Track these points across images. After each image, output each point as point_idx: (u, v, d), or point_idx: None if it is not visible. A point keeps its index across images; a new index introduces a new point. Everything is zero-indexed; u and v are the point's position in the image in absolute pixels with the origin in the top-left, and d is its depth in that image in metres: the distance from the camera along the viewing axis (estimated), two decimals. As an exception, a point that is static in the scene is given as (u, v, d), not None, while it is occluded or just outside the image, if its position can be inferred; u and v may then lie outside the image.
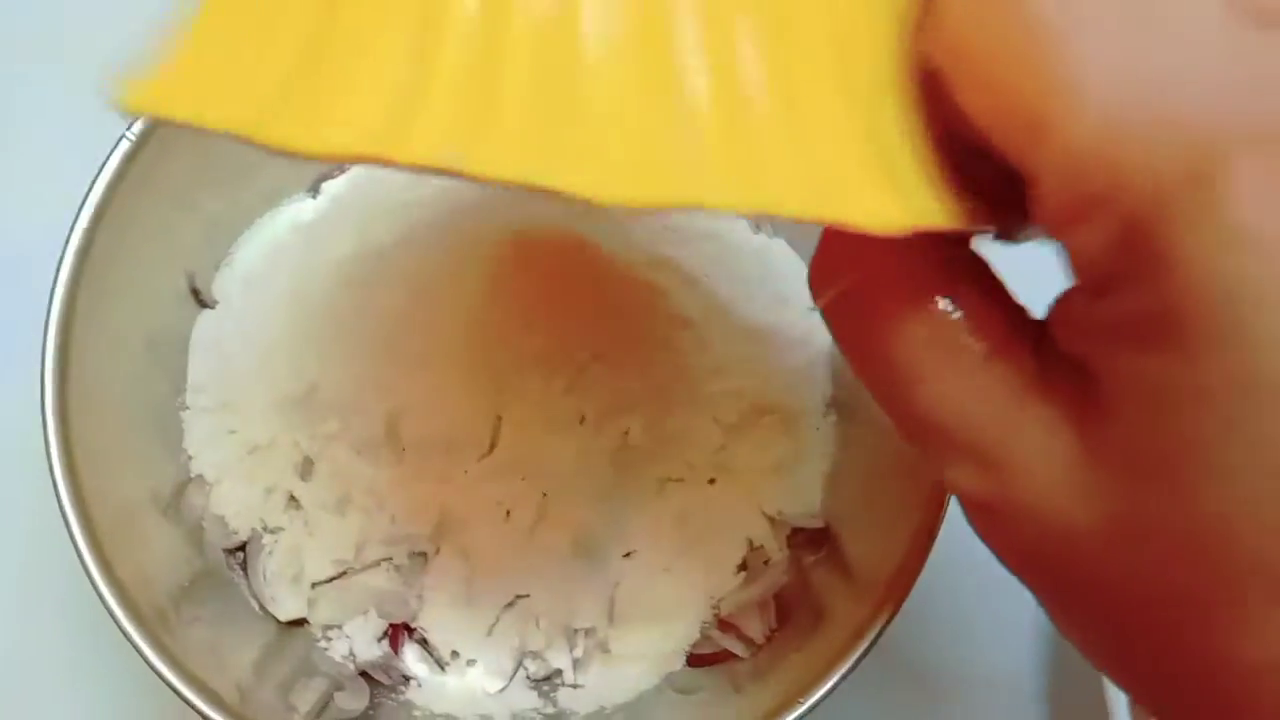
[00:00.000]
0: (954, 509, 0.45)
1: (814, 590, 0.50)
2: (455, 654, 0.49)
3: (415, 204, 0.52)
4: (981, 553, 0.53)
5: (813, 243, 0.50)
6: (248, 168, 0.52)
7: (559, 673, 0.50)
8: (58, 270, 0.44)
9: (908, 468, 0.49)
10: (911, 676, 0.55)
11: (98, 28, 0.62)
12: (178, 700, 0.42)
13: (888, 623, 0.43)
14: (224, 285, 0.52)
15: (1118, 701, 0.52)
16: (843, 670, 0.42)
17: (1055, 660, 0.57)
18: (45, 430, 0.43)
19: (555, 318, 0.46)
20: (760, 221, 0.57)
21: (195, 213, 0.51)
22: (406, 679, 0.50)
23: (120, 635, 0.42)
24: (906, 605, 0.43)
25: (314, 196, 0.55)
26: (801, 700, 0.42)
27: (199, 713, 0.42)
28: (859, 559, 0.49)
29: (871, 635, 0.42)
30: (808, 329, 0.54)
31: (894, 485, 0.49)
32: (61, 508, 0.43)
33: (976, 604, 0.56)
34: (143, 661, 0.42)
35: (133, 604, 0.42)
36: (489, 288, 0.47)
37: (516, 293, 0.46)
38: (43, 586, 0.54)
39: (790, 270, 0.55)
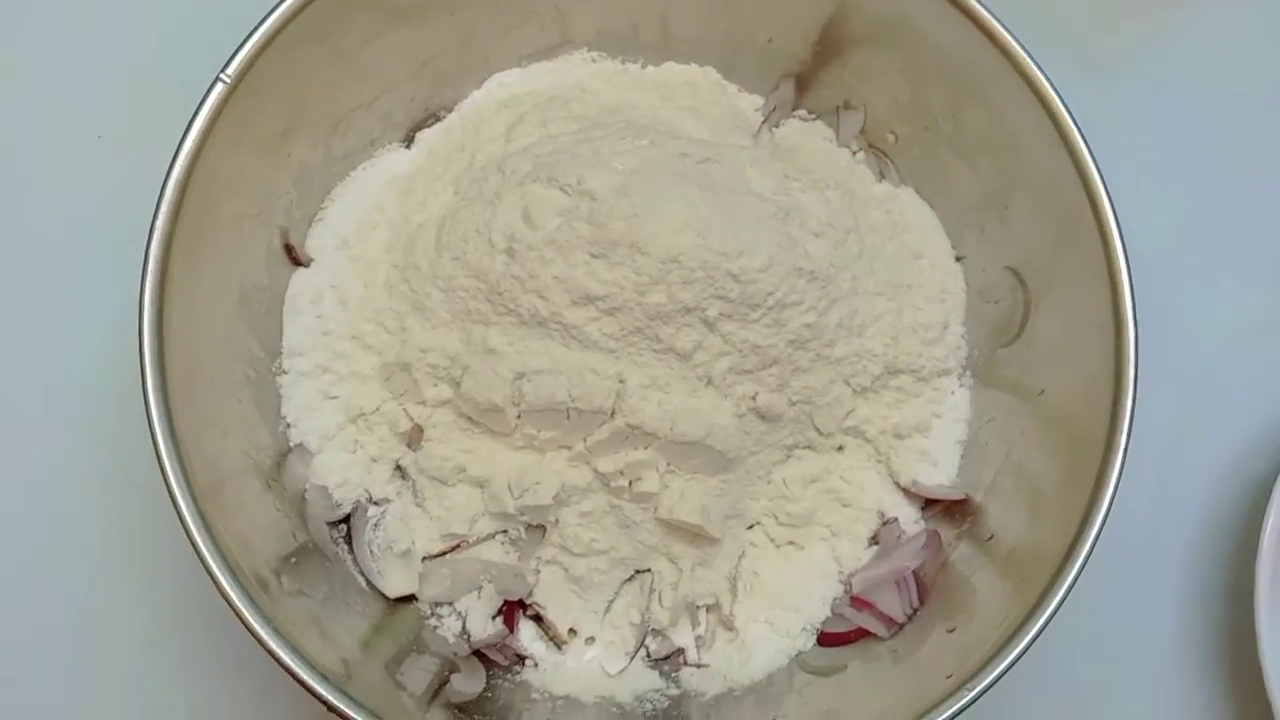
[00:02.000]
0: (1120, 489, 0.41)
1: (956, 568, 0.46)
2: (573, 632, 0.47)
3: (516, 155, 0.48)
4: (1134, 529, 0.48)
5: (945, 193, 0.45)
6: (341, 117, 0.49)
7: (681, 651, 0.47)
8: (154, 217, 0.41)
9: (1059, 437, 0.45)
10: (1061, 651, 0.52)
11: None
12: (278, 674, 0.39)
13: (1058, 607, 0.39)
14: (318, 242, 0.49)
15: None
16: (1012, 655, 0.39)
17: (1219, 639, 0.53)
18: (145, 391, 0.40)
19: (679, 273, 0.43)
20: (884, 168, 0.53)
21: (288, 164, 0.48)
22: (522, 659, 0.47)
23: (219, 603, 0.39)
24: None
25: (408, 146, 0.52)
26: (968, 687, 0.38)
27: (303, 684, 0.39)
28: (1006, 536, 0.45)
29: (1041, 620, 0.39)
30: (942, 283, 0.50)
31: (1043, 456, 0.46)
32: (164, 470, 0.40)
33: (1125, 580, 0.53)
34: (242, 631, 0.39)
35: (235, 569, 0.40)
36: (603, 242, 0.43)
37: (635, 247, 0.43)
38: (143, 556, 0.52)
39: (921, 221, 0.51)
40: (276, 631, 0.39)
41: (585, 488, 0.45)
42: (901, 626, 0.46)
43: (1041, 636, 0.40)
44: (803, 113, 0.53)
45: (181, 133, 0.42)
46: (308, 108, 0.47)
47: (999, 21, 0.45)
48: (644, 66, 0.54)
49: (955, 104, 0.49)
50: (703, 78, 0.54)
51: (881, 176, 0.53)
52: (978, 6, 0.45)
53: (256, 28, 0.44)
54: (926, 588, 0.46)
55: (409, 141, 0.52)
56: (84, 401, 0.53)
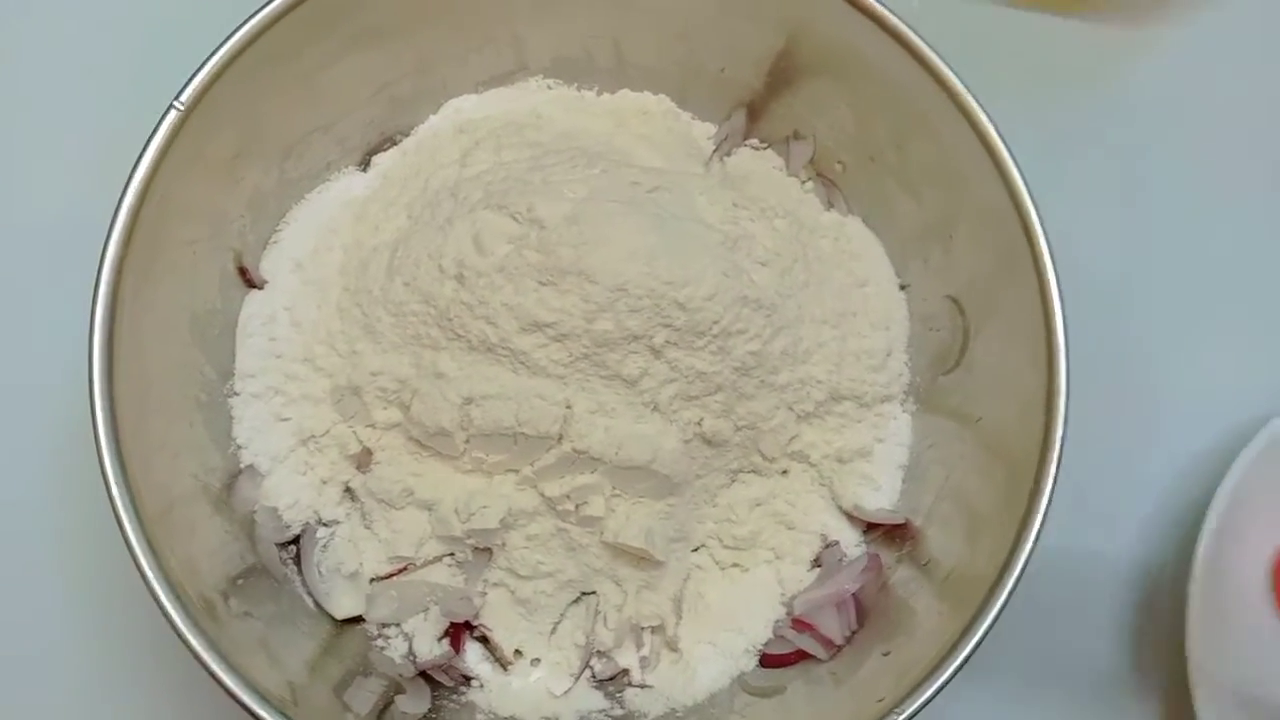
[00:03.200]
0: (1056, 512, 0.42)
1: (895, 591, 0.47)
2: (519, 653, 0.47)
3: (470, 180, 0.49)
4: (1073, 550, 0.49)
5: (891, 223, 0.46)
6: (297, 141, 0.50)
7: (626, 672, 0.48)
8: (104, 249, 0.42)
9: (997, 462, 0.46)
10: (1002, 672, 0.53)
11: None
12: (224, 698, 0.40)
13: (989, 629, 0.40)
14: (273, 265, 0.50)
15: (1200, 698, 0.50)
16: (942, 679, 0.39)
17: (1145, 659, 0.55)
18: (93, 412, 0.41)
19: (626, 301, 0.43)
20: (833, 197, 0.54)
21: (242, 188, 0.48)
22: (468, 679, 0.47)
23: (167, 628, 0.40)
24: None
25: (364, 170, 0.53)
26: (898, 710, 0.39)
27: (247, 710, 0.40)
28: (944, 559, 0.46)
29: (972, 642, 0.40)
30: (886, 311, 0.51)
31: (981, 481, 0.47)
32: (110, 495, 0.40)
33: (1064, 602, 0.54)
34: (189, 655, 0.40)
35: (181, 594, 0.40)
36: (552, 270, 0.44)
37: (583, 275, 0.44)
38: (89, 578, 0.52)
39: (867, 249, 0.52)
40: (222, 657, 0.40)
41: (532, 511, 0.46)
42: (840, 649, 0.47)
43: (980, 658, 0.42)
44: (754, 141, 0.55)
45: (133, 162, 0.42)
46: (263, 132, 0.48)
47: (939, 56, 0.46)
48: (599, 93, 0.55)
49: (900, 136, 0.50)
50: (656, 105, 0.55)
51: (830, 205, 0.54)
52: (919, 42, 0.46)
53: (211, 55, 0.44)
54: (866, 610, 0.47)
55: (365, 165, 0.53)
56: (33, 424, 0.53)
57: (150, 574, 0.40)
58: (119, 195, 0.42)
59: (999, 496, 0.45)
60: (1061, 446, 0.43)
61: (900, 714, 0.39)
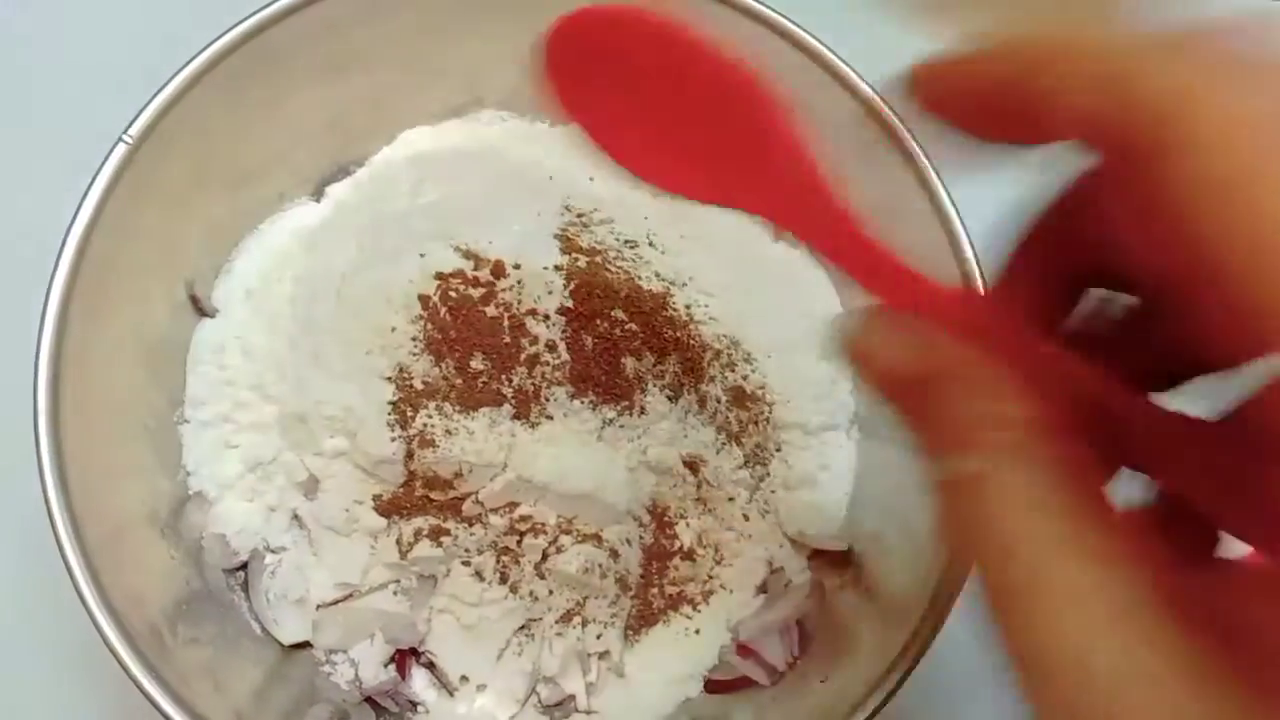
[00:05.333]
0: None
1: (838, 616, 0.48)
2: (465, 679, 0.48)
3: (423, 212, 0.50)
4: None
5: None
6: (250, 170, 0.50)
7: (572, 699, 0.48)
8: (51, 277, 0.42)
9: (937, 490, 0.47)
10: (942, 702, 0.54)
11: (96, 28, 0.61)
12: (172, 727, 0.40)
13: (921, 654, 0.41)
14: (224, 294, 0.50)
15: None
16: (875, 704, 0.40)
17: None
18: (37, 442, 0.41)
19: (577, 334, 0.44)
20: (781, 229, 0.55)
21: (195, 217, 0.49)
22: (414, 705, 0.48)
23: (112, 658, 0.40)
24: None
25: (317, 200, 0.53)
26: (832, 736, 0.40)
27: (193, 740, 0.40)
28: (886, 584, 0.47)
29: (905, 667, 0.41)
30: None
31: (920, 508, 0.48)
32: (53, 522, 0.41)
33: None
34: (135, 686, 0.40)
35: (125, 623, 0.40)
36: (503, 303, 0.45)
37: (535, 309, 0.44)
38: (32, 606, 0.52)
39: (813, 280, 0.53)
40: (166, 685, 0.40)
41: (477, 539, 0.46)
42: (783, 674, 0.47)
43: (920, 685, 0.42)
44: (704, 173, 0.56)
45: (82, 193, 0.43)
46: (215, 163, 0.48)
47: (880, 97, 0.47)
48: (551, 125, 0.56)
49: (844, 173, 0.51)
50: (609, 138, 0.56)
51: (778, 237, 0.55)
52: (859, 81, 0.47)
53: (162, 87, 0.45)
54: (809, 636, 0.48)
55: (319, 195, 0.53)
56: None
57: (92, 600, 0.40)
58: (68, 222, 0.43)
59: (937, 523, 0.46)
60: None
61: (834, 739, 0.40)
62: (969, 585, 0.42)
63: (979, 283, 0.45)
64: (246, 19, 0.46)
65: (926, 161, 0.46)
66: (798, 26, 0.48)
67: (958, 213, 0.46)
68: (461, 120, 0.55)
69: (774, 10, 0.48)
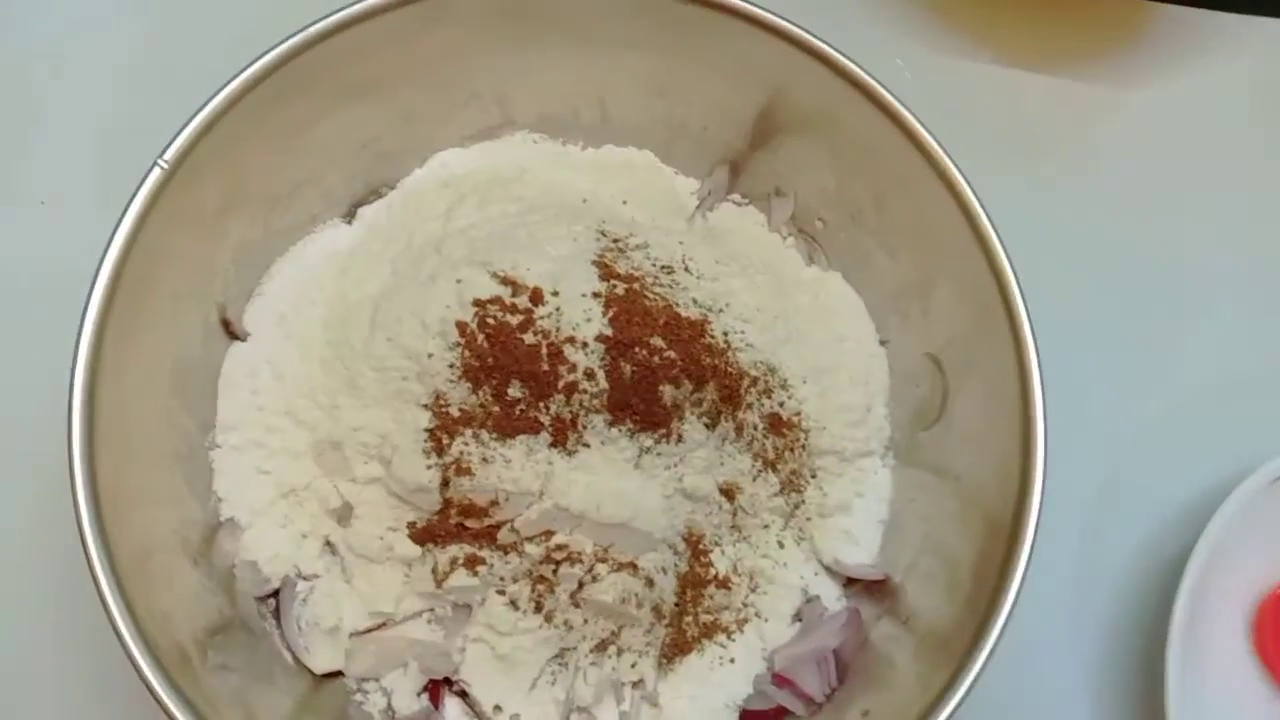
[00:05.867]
0: (1035, 568, 0.42)
1: (876, 647, 0.48)
2: (498, 708, 0.47)
3: (453, 235, 0.49)
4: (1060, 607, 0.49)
5: (871, 280, 0.47)
6: (282, 194, 0.50)
7: (606, 728, 0.47)
8: (86, 302, 0.42)
9: (976, 517, 0.46)
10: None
11: (132, 52, 0.61)
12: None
13: (970, 687, 0.40)
14: (256, 318, 0.50)
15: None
16: (921, 741, 0.40)
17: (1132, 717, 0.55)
18: (71, 468, 0.41)
19: (615, 362, 0.44)
20: (814, 253, 0.54)
21: (227, 241, 0.49)
22: (447, 735, 0.47)
23: (142, 685, 0.39)
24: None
25: (349, 222, 0.53)
26: (877, 772, 0.39)
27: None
28: (924, 615, 0.46)
29: (954, 701, 0.40)
30: (866, 367, 0.52)
31: (960, 537, 0.47)
32: (86, 549, 0.40)
33: (1050, 659, 0.54)
34: (164, 714, 0.40)
35: (156, 650, 0.40)
36: (542, 330, 0.44)
37: (574, 336, 0.44)
38: (65, 633, 0.51)
39: (847, 305, 0.53)
40: (195, 711, 0.40)
41: (512, 569, 0.46)
42: (820, 706, 0.47)
43: (958, 716, 0.42)
44: (736, 197, 0.55)
45: (117, 218, 0.42)
46: (248, 186, 0.48)
47: (916, 119, 0.47)
48: (584, 148, 0.56)
49: (879, 195, 0.51)
50: (640, 160, 0.56)
51: (811, 261, 0.54)
52: (896, 104, 0.47)
53: (197, 112, 0.45)
54: (846, 666, 0.47)
55: (350, 217, 0.53)
56: (11, 472, 0.53)
57: (123, 626, 0.40)
58: (104, 247, 0.42)
59: (978, 553, 0.45)
60: (1040, 505, 0.43)
61: (879, 775, 0.39)
62: (1013, 616, 0.42)
63: (1016, 295, 0.45)
64: (278, 45, 0.46)
65: (965, 186, 0.46)
66: (831, 46, 0.48)
67: (997, 234, 0.45)
68: (493, 142, 0.55)
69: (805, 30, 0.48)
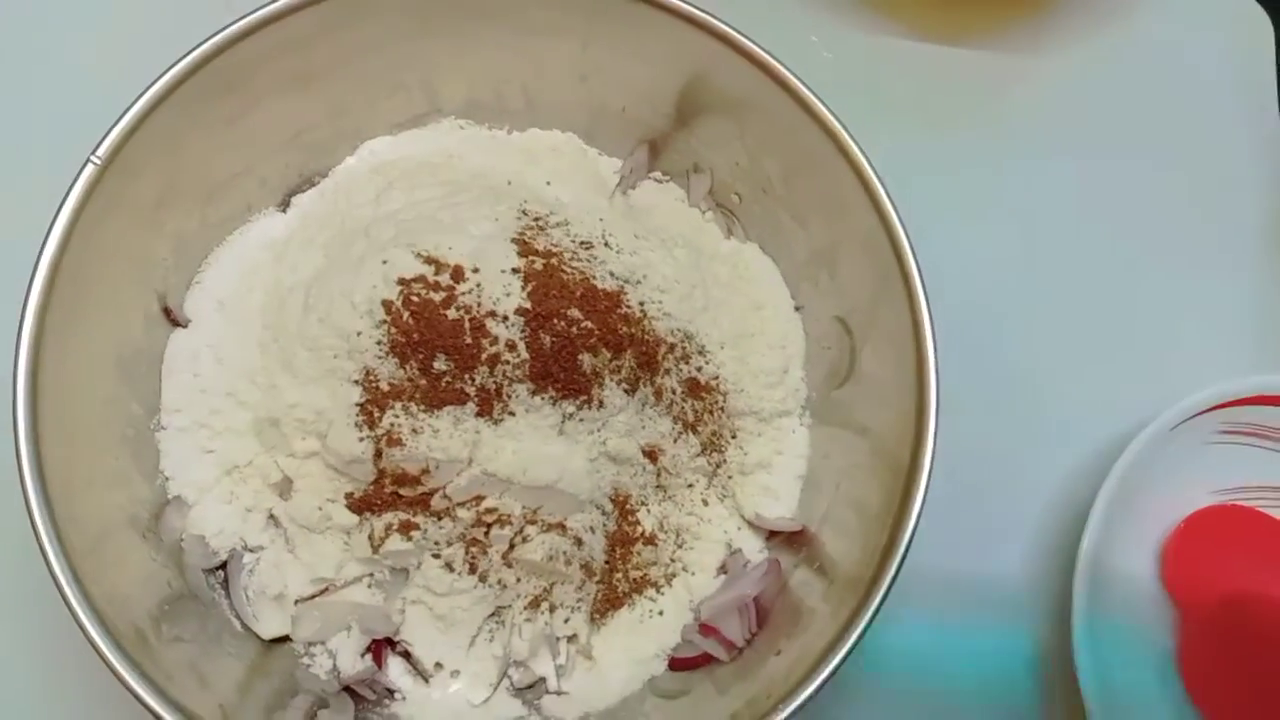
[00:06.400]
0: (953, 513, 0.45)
1: (793, 592, 0.51)
2: (439, 666, 0.50)
3: (386, 220, 0.52)
4: (956, 557, 0.53)
5: (784, 249, 0.49)
6: (218, 185, 0.52)
7: (542, 681, 0.50)
8: (27, 295, 0.44)
9: (883, 468, 0.49)
10: (897, 673, 0.56)
11: (61, 50, 0.62)
12: (159, 724, 0.42)
13: (868, 625, 0.43)
14: (196, 305, 0.52)
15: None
16: (825, 673, 0.43)
17: (1040, 656, 0.58)
18: (18, 453, 0.43)
19: (535, 334, 0.46)
20: (731, 226, 0.57)
21: (164, 232, 0.51)
22: (391, 693, 0.50)
23: (98, 659, 0.42)
24: (886, 607, 0.44)
25: (284, 211, 0.55)
26: (783, 705, 0.42)
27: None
28: (837, 561, 0.49)
29: (852, 638, 0.43)
30: (783, 331, 0.55)
31: (868, 487, 0.50)
32: (36, 530, 0.42)
33: (949, 606, 0.57)
34: (122, 686, 0.42)
35: (110, 625, 0.42)
36: (464, 305, 0.47)
37: (490, 314, 0.47)
38: (19, 612, 0.54)
39: (764, 274, 0.56)
40: (152, 682, 0.42)
41: (448, 531, 0.48)
42: (741, 650, 0.50)
43: (872, 655, 0.44)
44: (657, 175, 0.58)
45: (53, 213, 0.44)
46: (182, 178, 0.50)
47: (822, 102, 0.49)
48: (510, 133, 0.58)
49: (788, 170, 0.53)
50: (564, 143, 0.58)
51: (729, 234, 0.57)
52: (804, 90, 0.49)
53: (128, 109, 0.47)
54: (766, 612, 0.50)
55: (285, 206, 0.55)
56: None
57: (76, 604, 0.42)
58: (40, 241, 0.44)
59: (885, 500, 0.48)
60: (933, 450, 0.46)
61: (783, 709, 0.42)
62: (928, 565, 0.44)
63: (909, 255, 0.47)
64: (208, 39, 0.48)
65: (863, 159, 0.48)
66: (745, 36, 0.50)
67: (891, 202, 0.48)
68: (422, 129, 0.57)
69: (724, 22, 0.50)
